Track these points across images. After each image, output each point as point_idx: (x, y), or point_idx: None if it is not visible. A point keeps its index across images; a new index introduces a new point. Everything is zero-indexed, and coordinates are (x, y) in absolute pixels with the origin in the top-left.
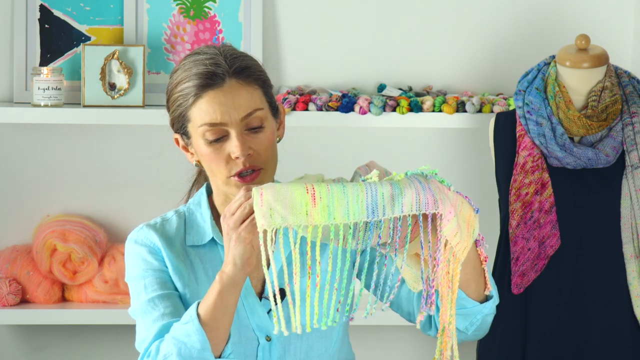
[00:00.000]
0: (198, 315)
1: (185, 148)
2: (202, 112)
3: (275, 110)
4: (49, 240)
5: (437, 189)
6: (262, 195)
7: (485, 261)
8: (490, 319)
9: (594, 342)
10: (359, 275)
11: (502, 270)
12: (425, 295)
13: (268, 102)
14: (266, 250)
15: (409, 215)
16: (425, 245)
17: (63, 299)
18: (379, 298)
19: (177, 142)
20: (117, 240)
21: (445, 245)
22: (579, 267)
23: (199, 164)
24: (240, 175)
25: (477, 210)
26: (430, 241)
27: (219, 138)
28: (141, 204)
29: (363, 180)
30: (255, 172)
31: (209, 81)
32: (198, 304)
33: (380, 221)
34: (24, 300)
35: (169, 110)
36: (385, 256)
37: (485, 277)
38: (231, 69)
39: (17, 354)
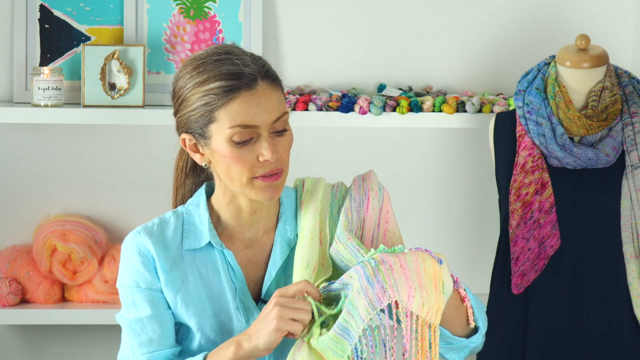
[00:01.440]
0: None
1: (195, 149)
2: (235, 113)
3: None
4: (49, 240)
5: (389, 269)
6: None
7: (463, 301)
8: (480, 347)
9: (593, 342)
10: None
11: (502, 270)
12: None
13: None
14: None
15: (371, 319)
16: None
17: (63, 299)
18: None
19: (184, 143)
20: (117, 240)
21: (417, 320)
22: (579, 267)
23: (209, 165)
24: (264, 175)
25: (440, 262)
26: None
27: (247, 140)
28: (141, 204)
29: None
30: (278, 172)
31: (242, 82)
32: (205, 356)
33: (358, 341)
34: (24, 300)
35: (180, 111)
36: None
37: (467, 314)
38: (262, 70)
39: (17, 354)
